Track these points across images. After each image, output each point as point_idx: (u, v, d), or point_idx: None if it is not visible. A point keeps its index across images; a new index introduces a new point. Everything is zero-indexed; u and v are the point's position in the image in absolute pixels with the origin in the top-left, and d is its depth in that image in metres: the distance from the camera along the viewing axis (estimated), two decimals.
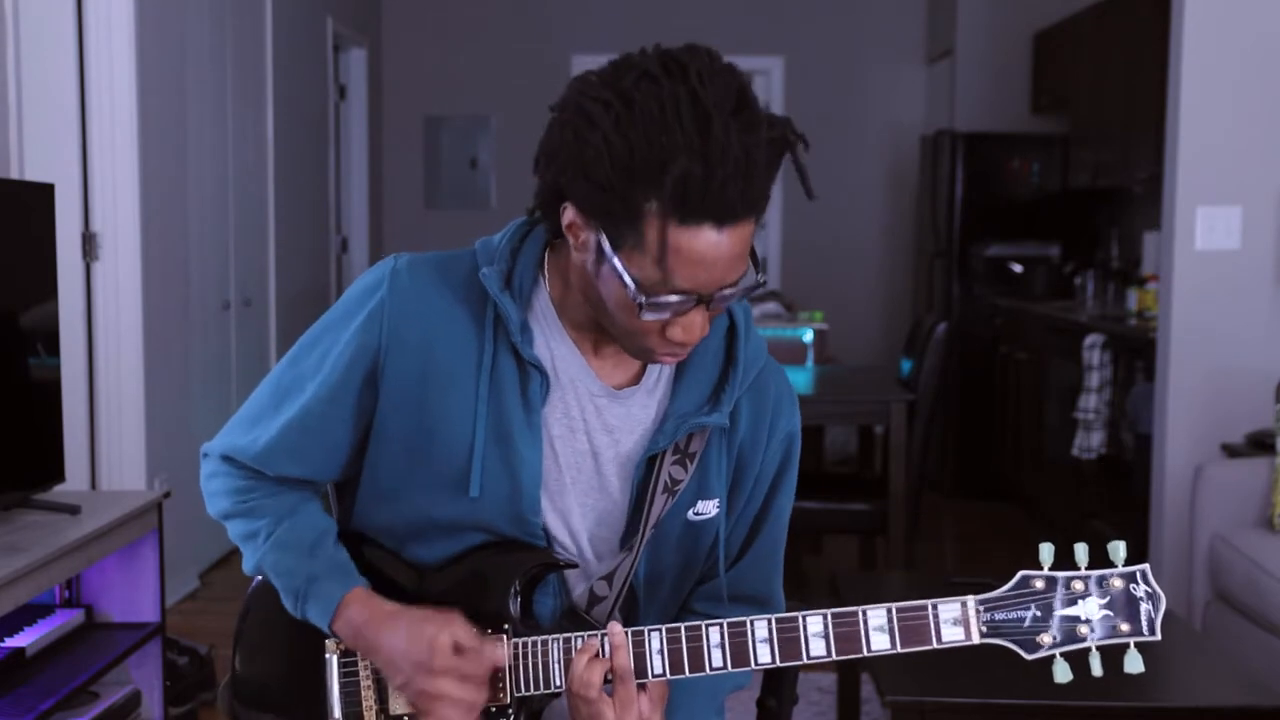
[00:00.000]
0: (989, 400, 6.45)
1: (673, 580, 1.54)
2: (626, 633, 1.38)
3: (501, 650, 1.42)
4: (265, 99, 5.50)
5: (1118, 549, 1.29)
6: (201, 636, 3.74)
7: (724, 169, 1.25)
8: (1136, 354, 4.80)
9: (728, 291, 1.34)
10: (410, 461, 1.47)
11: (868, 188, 7.83)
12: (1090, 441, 5.10)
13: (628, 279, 1.31)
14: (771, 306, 5.86)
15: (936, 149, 6.82)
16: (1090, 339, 5.08)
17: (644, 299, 1.32)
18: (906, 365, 4.70)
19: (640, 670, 1.39)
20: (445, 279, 1.47)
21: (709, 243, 1.28)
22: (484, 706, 1.43)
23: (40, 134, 3.81)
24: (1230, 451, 3.94)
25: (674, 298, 1.32)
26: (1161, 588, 1.34)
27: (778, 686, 1.71)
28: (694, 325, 1.35)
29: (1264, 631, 3.29)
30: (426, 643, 1.40)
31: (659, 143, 1.25)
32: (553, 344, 1.47)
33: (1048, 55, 6.75)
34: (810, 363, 5.35)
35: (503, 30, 7.67)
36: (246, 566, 1.54)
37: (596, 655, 1.38)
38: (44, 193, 3.08)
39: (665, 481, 1.47)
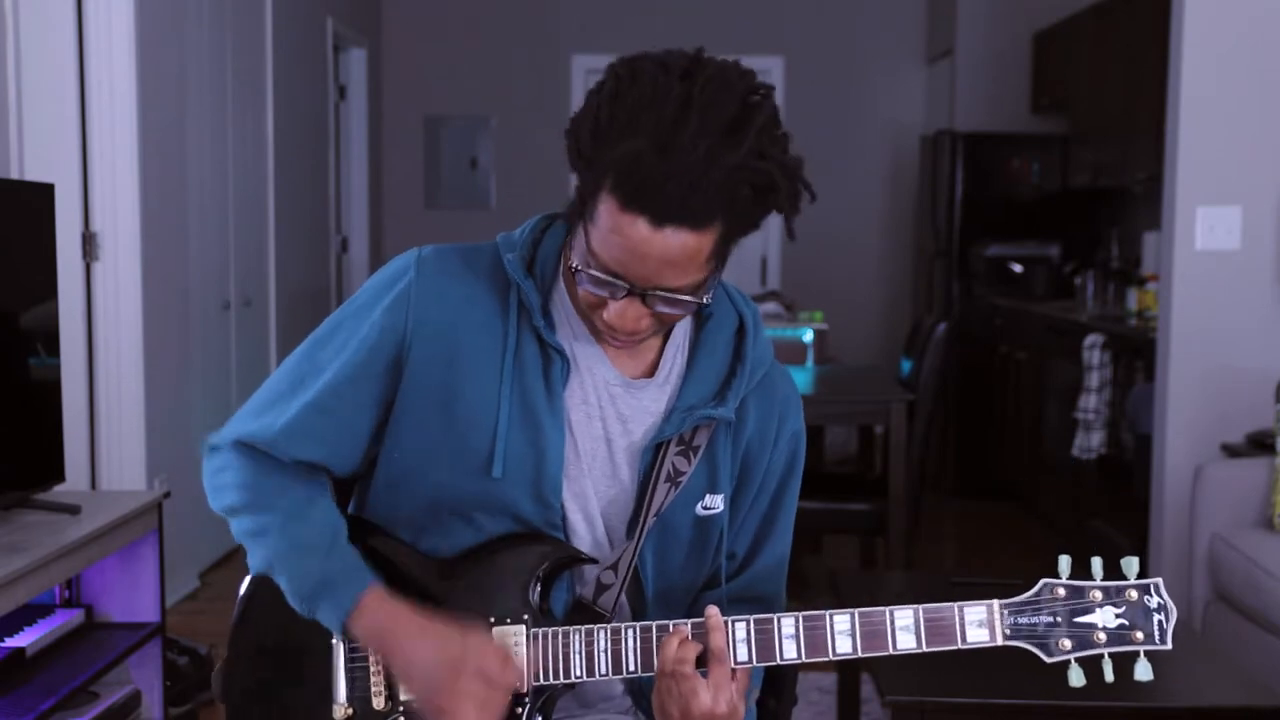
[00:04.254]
0: (989, 400, 6.44)
1: (683, 577, 1.55)
2: (726, 621, 1.41)
3: (522, 676, 1.43)
4: (265, 99, 5.49)
5: (1131, 564, 1.37)
6: (201, 636, 3.74)
7: (673, 166, 1.27)
8: (1136, 354, 4.80)
9: (663, 294, 1.36)
10: (432, 444, 1.48)
11: (868, 188, 7.82)
12: (1090, 441, 5.10)
13: (576, 244, 1.38)
14: (771, 306, 5.86)
15: (936, 149, 6.82)
16: (1090, 339, 5.08)
17: (578, 267, 1.37)
18: (906, 365, 4.70)
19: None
20: (470, 266, 1.50)
21: (641, 236, 1.31)
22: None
23: (40, 134, 3.81)
24: (1230, 451, 3.93)
25: (602, 275, 1.35)
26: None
27: (778, 687, 1.70)
28: (625, 315, 1.39)
29: (1264, 631, 3.29)
30: (454, 658, 1.40)
31: (634, 121, 1.29)
32: (572, 332, 1.50)
33: (1048, 55, 6.74)
34: (810, 363, 5.34)
35: (503, 30, 7.67)
36: (254, 565, 1.52)
37: (686, 639, 1.40)
38: (44, 193, 3.08)
39: (668, 471, 1.49)
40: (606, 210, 1.32)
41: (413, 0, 7.74)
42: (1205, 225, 4.04)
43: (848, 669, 3.08)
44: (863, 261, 7.86)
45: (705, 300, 1.40)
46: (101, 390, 4.11)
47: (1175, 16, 4.07)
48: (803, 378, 4.71)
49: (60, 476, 3.05)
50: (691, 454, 1.50)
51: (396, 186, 7.84)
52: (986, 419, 6.46)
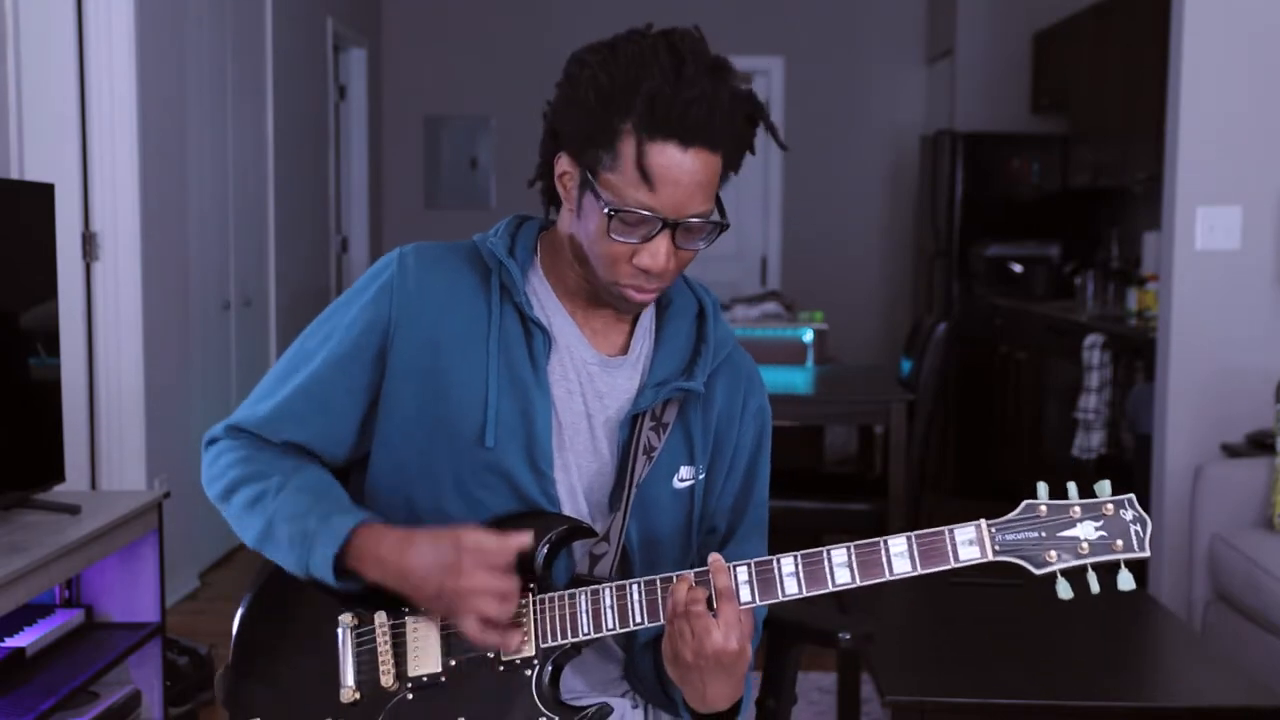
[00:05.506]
0: (989, 400, 6.45)
1: (668, 550, 1.61)
2: (729, 566, 1.45)
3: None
4: (265, 99, 5.49)
5: (1104, 486, 1.46)
6: (201, 636, 3.74)
7: (690, 93, 1.43)
8: (1136, 354, 4.80)
9: (693, 220, 1.47)
10: (425, 429, 1.55)
11: (868, 188, 7.83)
12: (1090, 441, 5.10)
13: (602, 196, 1.45)
14: (771, 306, 5.86)
15: (936, 149, 6.82)
16: (1090, 339, 5.08)
17: (613, 211, 1.45)
18: (906, 365, 4.70)
19: None
20: (450, 255, 1.60)
21: (674, 160, 1.43)
22: (514, 608, 1.46)
23: (40, 134, 3.81)
24: (1230, 451, 3.93)
25: (642, 212, 1.45)
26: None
27: (777, 687, 1.71)
28: (659, 252, 1.47)
29: (1264, 631, 3.29)
30: (450, 545, 1.45)
31: (636, 72, 1.44)
32: (550, 313, 1.59)
33: (1048, 55, 6.75)
34: (810, 363, 5.34)
35: (503, 30, 7.67)
36: (251, 534, 1.56)
37: (693, 584, 1.44)
38: (44, 193, 3.08)
39: (645, 444, 1.57)
40: (633, 150, 1.43)
41: (413, 0, 7.75)
42: (1205, 225, 4.04)
43: (848, 668, 3.08)
44: (863, 261, 7.86)
45: (726, 223, 1.50)
46: (101, 390, 4.11)
47: (1175, 16, 4.07)
48: (803, 378, 4.71)
49: (60, 476, 3.05)
50: (661, 430, 1.58)
51: (396, 186, 7.84)
52: (986, 419, 6.46)
